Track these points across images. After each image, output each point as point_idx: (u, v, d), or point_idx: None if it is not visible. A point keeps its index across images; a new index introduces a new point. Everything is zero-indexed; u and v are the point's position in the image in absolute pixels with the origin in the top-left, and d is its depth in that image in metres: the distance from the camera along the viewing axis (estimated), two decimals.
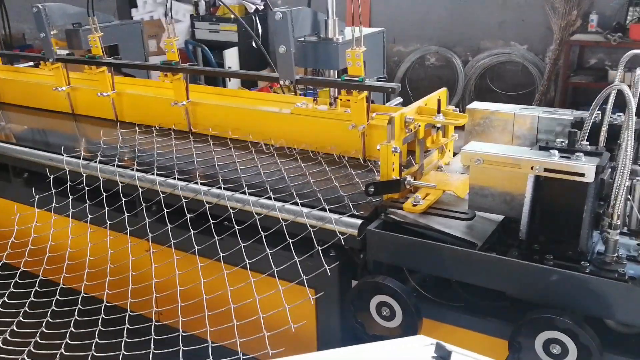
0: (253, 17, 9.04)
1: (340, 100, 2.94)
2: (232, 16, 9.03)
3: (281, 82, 2.84)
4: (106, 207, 2.96)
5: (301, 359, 1.11)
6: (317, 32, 2.91)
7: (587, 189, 2.10)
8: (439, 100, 2.61)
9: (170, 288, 2.59)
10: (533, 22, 7.28)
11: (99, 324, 2.49)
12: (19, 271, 2.86)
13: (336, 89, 3.01)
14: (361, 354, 1.13)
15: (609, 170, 2.23)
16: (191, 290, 2.52)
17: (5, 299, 2.73)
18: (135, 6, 9.97)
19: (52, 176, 3.22)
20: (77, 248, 2.92)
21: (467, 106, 2.83)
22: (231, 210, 2.66)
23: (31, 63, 5.13)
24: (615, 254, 2.10)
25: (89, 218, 2.97)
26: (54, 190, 3.15)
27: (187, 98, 3.41)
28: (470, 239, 2.27)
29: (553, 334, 2.03)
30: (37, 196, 3.18)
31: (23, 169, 3.59)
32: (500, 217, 2.41)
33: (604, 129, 2.40)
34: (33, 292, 2.77)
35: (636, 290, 1.96)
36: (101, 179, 3.07)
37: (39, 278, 2.80)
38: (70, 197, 3.09)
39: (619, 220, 2.09)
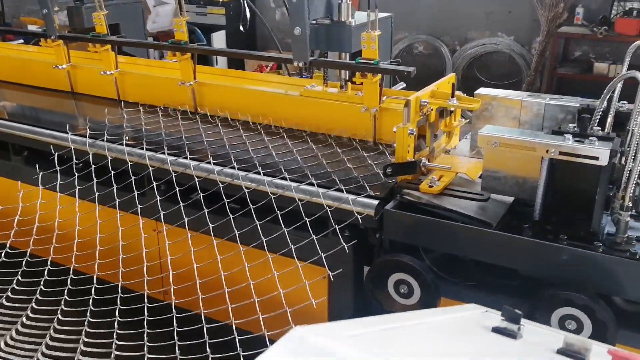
0: (241, 0, 8.99)
1: (353, 83, 2.98)
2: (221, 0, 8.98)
3: (295, 64, 2.86)
4: (114, 185, 2.96)
5: (363, 321, 1.15)
6: (330, 15, 2.94)
7: (600, 172, 2.19)
8: (453, 85, 2.68)
9: (181, 268, 2.62)
10: (520, 14, 7.41)
11: (117, 310, 2.51)
12: (28, 250, 2.86)
13: (347, 72, 3.04)
14: (426, 317, 1.17)
15: (618, 154, 2.32)
16: (203, 270, 2.55)
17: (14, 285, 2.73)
18: None
19: (56, 154, 3.20)
20: (84, 227, 2.91)
21: (475, 92, 2.90)
22: (245, 190, 2.68)
23: (21, 40, 5.05)
24: (626, 235, 2.20)
25: (96, 196, 2.97)
26: (58, 168, 3.13)
27: (195, 78, 3.41)
28: (485, 219, 2.34)
29: (569, 310, 2.11)
30: (41, 173, 3.17)
31: (23, 147, 3.56)
32: (510, 200, 2.50)
33: (611, 115, 2.49)
34: (46, 271, 2.78)
35: None
36: (109, 157, 3.06)
37: (50, 258, 2.81)
38: (76, 174, 3.08)
39: (630, 202, 2.19)
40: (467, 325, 1.09)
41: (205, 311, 2.39)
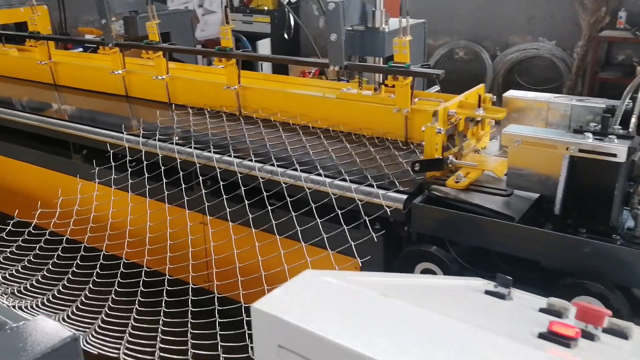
0: (286, 8, 9.26)
1: (386, 86, 3.15)
2: (265, 8, 9.29)
3: (331, 68, 3.05)
4: (164, 180, 3.20)
5: (371, 274, 1.29)
6: (365, 22, 3.12)
7: (619, 168, 2.29)
8: (479, 96, 2.82)
9: (226, 258, 2.84)
10: (562, 18, 7.41)
11: (164, 297, 2.75)
12: (82, 245, 3.13)
13: (381, 76, 3.21)
14: (432, 279, 1.33)
15: (639, 152, 2.42)
16: (243, 258, 2.76)
17: (70, 275, 2.99)
18: None
19: (112, 151, 3.48)
20: (135, 217, 3.17)
21: (504, 94, 3.02)
22: (283, 185, 2.88)
23: (80, 49, 5.42)
24: None
25: (147, 189, 3.22)
26: (113, 164, 3.41)
27: (239, 82, 3.64)
28: (509, 213, 2.47)
29: (586, 298, 2.23)
30: (97, 168, 3.44)
31: (82, 146, 3.86)
32: (534, 196, 2.62)
33: (635, 115, 2.58)
34: (98, 265, 3.04)
35: None
36: (160, 155, 3.31)
37: (103, 252, 3.07)
38: (129, 169, 3.34)
39: None
40: (465, 289, 1.25)
41: (245, 298, 2.60)
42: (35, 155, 4.04)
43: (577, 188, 2.41)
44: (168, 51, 3.89)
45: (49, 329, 1.02)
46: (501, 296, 1.23)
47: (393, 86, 3.03)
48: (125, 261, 2.97)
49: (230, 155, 3.15)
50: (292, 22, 9.35)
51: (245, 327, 2.55)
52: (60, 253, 3.06)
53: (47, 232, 3.10)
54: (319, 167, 2.91)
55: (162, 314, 2.73)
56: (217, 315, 2.61)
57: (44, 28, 4.68)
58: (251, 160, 3.08)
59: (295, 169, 2.93)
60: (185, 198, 3.06)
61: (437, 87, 3.58)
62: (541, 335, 0.99)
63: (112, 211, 3.27)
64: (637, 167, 2.41)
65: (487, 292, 1.23)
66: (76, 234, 3.21)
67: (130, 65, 4.25)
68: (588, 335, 1.03)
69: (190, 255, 2.93)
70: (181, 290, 2.80)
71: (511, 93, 3.03)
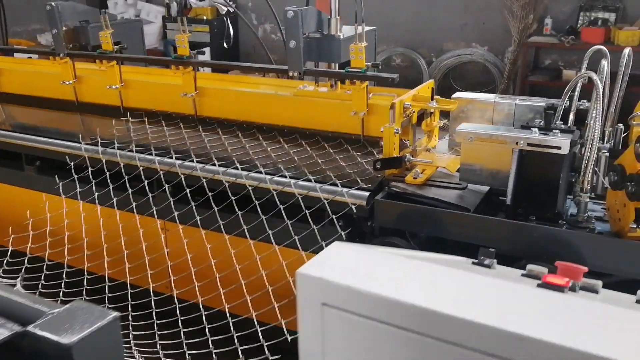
0: (225, 18, 9.32)
1: (340, 83, 3.31)
2: (204, 17, 9.31)
3: (290, 74, 3.17)
4: (129, 190, 3.22)
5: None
6: (321, 30, 3.26)
7: (563, 160, 2.52)
8: (432, 89, 3.01)
9: (196, 265, 2.90)
10: (493, 25, 7.83)
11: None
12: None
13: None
14: (427, 254, 1.47)
15: (579, 146, 2.66)
16: (218, 265, 2.83)
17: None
18: (106, 7, 10.09)
19: (72, 163, 3.46)
20: (108, 231, 3.18)
21: (452, 95, 3.23)
22: (249, 188, 2.97)
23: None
24: (586, 214, 2.53)
25: (114, 201, 3.23)
26: (76, 176, 3.40)
27: (195, 90, 3.70)
28: (464, 205, 2.66)
29: None
30: (61, 183, 3.42)
31: (35, 157, 3.81)
32: (485, 189, 2.82)
33: (573, 112, 2.84)
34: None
35: (605, 241, 2.39)
36: (121, 164, 3.32)
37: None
38: (93, 181, 3.34)
39: (588, 185, 2.52)
40: (454, 262, 1.40)
41: (228, 306, 2.68)
42: None
43: (526, 179, 2.62)
44: (121, 60, 3.90)
45: (93, 310, 1.09)
46: (487, 266, 1.38)
47: (349, 92, 3.18)
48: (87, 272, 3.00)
49: (192, 161, 3.21)
50: (232, 32, 9.41)
51: (208, 334, 2.64)
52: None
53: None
54: (282, 169, 3.02)
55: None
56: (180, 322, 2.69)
57: None
58: (213, 165, 3.15)
59: (260, 172, 3.03)
60: (154, 208, 3.10)
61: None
62: (539, 285, 1.14)
63: (67, 222, 3.29)
64: (577, 159, 2.66)
65: (474, 263, 1.38)
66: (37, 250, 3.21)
67: (81, 70, 4.20)
68: (572, 287, 1.21)
69: (147, 263, 2.98)
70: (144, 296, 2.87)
71: (458, 94, 3.24)
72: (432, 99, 2.94)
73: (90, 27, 4.01)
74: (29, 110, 4.31)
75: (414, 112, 2.99)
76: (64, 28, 3.93)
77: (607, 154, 2.57)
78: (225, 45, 9.19)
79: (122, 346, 1.15)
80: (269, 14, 9.50)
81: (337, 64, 3.30)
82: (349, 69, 3.10)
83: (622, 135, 2.82)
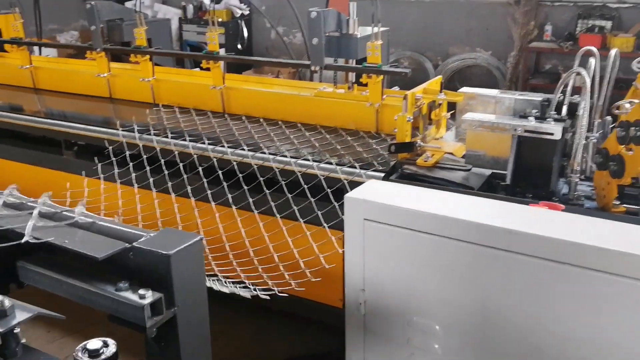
0: (239, 21, 9.70)
1: (358, 85, 3.65)
2: (219, 20, 9.68)
3: (312, 68, 3.52)
4: (165, 171, 3.56)
5: None
6: (340, 29, 3.61)
7: (555, 145, 2.87)
8: (441, 83, 3.36)
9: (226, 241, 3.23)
10: (496, 31, 8.19)
11: None
12: None
13: (354, 76, 3.71)
14: None
15: (571, 134, 3.01)
16: (246, 241, 3.16)
17: None
18: None
19: (110, 147, 3.80)
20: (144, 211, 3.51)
21: (458, 90, 3.57)
22: (276, 169, 3.32)
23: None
24: (576, 193, 2.87)
25: (151, 180, 3.56)
26: (114, 159, 3.73)
27: (223, 83, 4.06)
28: (469, 184, 3.00)
29: None
30: (100, 164, 3.76)
31: (72, 144, 4.16)
32: (487, 172, 3.16)
33: (565, 105, 3.18)
34: None
35: (592, 215, 2.72)
36: (157, 149, 3.67)
37: None
38: (130, 163, 3.67)
39: (578, 167, 2.86)
40: None
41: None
42: (28, 154, 4.28)
43: (523, 162, 2.97)
44: (155, 55, 4.25)
45: (182, 233, 1.44)
46: None
47: (366, 84, 3.52)
48: None
49: (223, 146, 3.55)
50: (245, 34, 9.79)
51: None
52: None
53: None
54: (305, 153, 3.36)
55: None
56: None
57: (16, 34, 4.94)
58: (243, 149, 3.49)
59: (285, 155, 3.37)
60: (189, 187, 3.43)
61: (397, 88, 4.11)
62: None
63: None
64: (568, 145, 3.00)
65: None
66: None
67: (116, 70, 4.56)
68: None
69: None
70: None
71: (464, 89, 3.59)
72: (441, 92, 3.29)
73: (124, 24, 4.36)
74: (66, 101, 4.66)
75: (424, 103, 3.33)
76: (101, 25, 4.27)
77: (595, 140, 2.92)
78: (239, 46, 9.57)
79: (203, 261, 1.49)
80: (282, 17, 9.89)
81: (354, 60, 3.64)
82: (366, 64, 3.44)
83: (610, 127, 3.17)
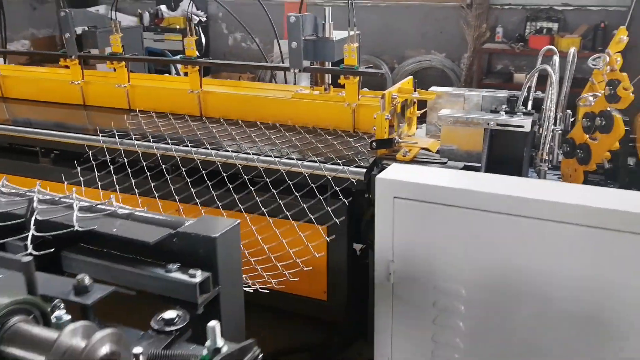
0: (196, 28, 9.72)
1: (334, 86, 3.82)
2: (177, 27, 9.71)
3: (292, 70, 3.66)
4: (148, 173, 3.63)
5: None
6: (316, 33, 3.77)
7: (525, 137, 3.10)
8: (414, 82, 3.56)
9: None
10: (450, 34, 8.52)
11: None
12: None
13: (330, 78, 3.88)
14: None
15: (538, 127, 3.25)
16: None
17: None
18: None
19: (90, 152, 3.84)
20: None
21: (429, 88, 3.79)
22: (261, 168, 3.44)
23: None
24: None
25: (132, 182, 3.62)
26: (94, 163, 3.77)
27: (200, 87, 4.15)
28: None
29: None
30: (79, 168, 3.79)
31: (50, 150, 4.17)
32: (460, 165, 3.37)
33: (530, 100, 3.43)
34: None
35: None
36: (139, 152, 3.73)
37: None
38: (111, 166, 3.72)
39: (546, 157, 3.10)
40: None
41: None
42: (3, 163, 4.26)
43: (495, 154, 3.19)
44: (131, 61, 4.31)
45: (220, 219, 1.56)
46: None
47: (343, 85, 3.69)
48: None
49: (206, 148, 3.65)
50: (203, 40, 9.82)
51: None
52: None
53: None
54: (288, 152, 3.50)
55: None
56: None
57: None
58: (226, 150, 3.60)
59: (269, 155, 3.50)
60: (172, 187, 3.52)
61: (366, 89, 4.30)
62: None
63: None
64: (537, 138, 3.25)
65: None
66: None
67: (89, 77, 4.59)
68: None
69: None
70: None
71: (434, 88, 3.81)
72: (415, 91, 3.49)
73: (98, 32, 4.40)
74: (40, 109, 4.65)
75: (399, 102, 3.52)
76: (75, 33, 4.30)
77: (560, 131, 3.17)
78: (197, 53, 9.58)
79: (240, 243, 1.62)
80: (239, 24, 9.99)
81: (330, 63, 3.81)
82: (343, 66, 3.61)
83: (571, 120, 3.44)
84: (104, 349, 1.04)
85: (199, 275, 1.43)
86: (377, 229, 1.74)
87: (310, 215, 3.18)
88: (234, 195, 3.38)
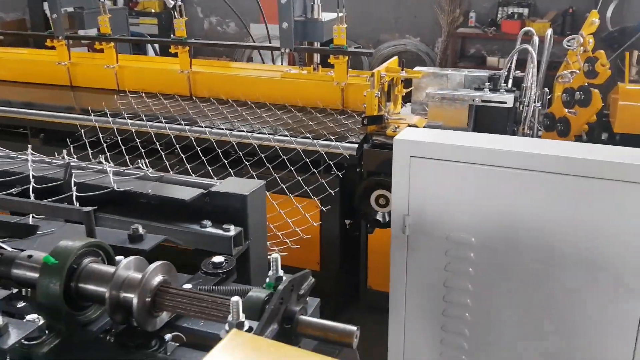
0: (172, 11, 9.69)
1: (326, 65, 3.95)
2: (152, 10, 9.67)
3: (282, 50, 3.77)
4: (142, 150, 3.71)
5: None
6: (305, 14, 3.88)
7: (508, 112, 3.29)
8: (402, 61, 3.71)
9: None
10: (424, 18, 8.70)
11: None
12: None
13: (319, 56, 4.00)
14: None
15: (519, 103, 3.44)
16: None
17: None
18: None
19: (82, 130, 3.90)
20: None
21: (415, 68, 3.95)
22: (255, 144, 3.56)
23: None
24: None
25: (127, 159, 3.70)
26: (86, 141, 3.83)
27: (190, 67, 4.23)
28: None
29: None
30: (72, 146, 3.84)
31: (39, 130, 4.20)
32: None
33: (511, 78, 3.62)
34: None
35: None
36: (133, 130, 3.80)
37: None
38: (104, 144, 3.79)
39: (528, 131, 3.30)
40: None
41: None
42: None
43: (479, 129, 3.37)
44: (119, 42, 4.35)
45: (246, 180, 1.69)
46: None
47: (333, 65, 3.83)
48: None
49: (200, 125, 3.74)
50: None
51: None
52: None
53: None
54: (282, 129, 3.63)
55: None
56: None
57: None
58: (220, 128, 3.70)
59: (263, 132, 3.62)
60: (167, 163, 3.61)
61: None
62: None
63: None
64: (518, 114, 3.44)
65: None
66: None
67: (76, 58, 4.61)
68: None
69: None
70: None
71: (419, 68, 3.97)
72: (402, 70, 3.64)
73: (85, 12, 4.43)
74: (26, 90, 4.66)
75: (386, 81, 3.67)
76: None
77: (539, 107, 3.37)
78: (172, 36, 9.56)
79: (265, 201, 1.75)
80: (214, 7, 10.00)
81: (319, 43, 3.93)
82: (333, 46, 3.74)
83: (548, 97, 3.65)
84: (158, 278, 1.18)
85: (232, 230, 1.56)
86: (394, 186, 1.91)
87: (306, 188, 3.31)
88: (229, 169, 3.49)
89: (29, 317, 1.19)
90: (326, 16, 3.94)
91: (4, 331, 1.08)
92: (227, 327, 1.07)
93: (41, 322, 1.16)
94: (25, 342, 1.09)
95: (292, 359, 0.93)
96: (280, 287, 1.09)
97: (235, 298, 1.05)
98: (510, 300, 1.97)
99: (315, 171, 3.37)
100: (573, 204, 1.75)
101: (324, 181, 3.31)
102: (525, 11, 8.17)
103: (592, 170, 1.69)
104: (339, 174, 3.35)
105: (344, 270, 3.73)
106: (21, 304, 1.27)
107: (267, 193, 3.35)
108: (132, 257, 1.23)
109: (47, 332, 1.13)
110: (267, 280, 1.17)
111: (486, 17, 8.32)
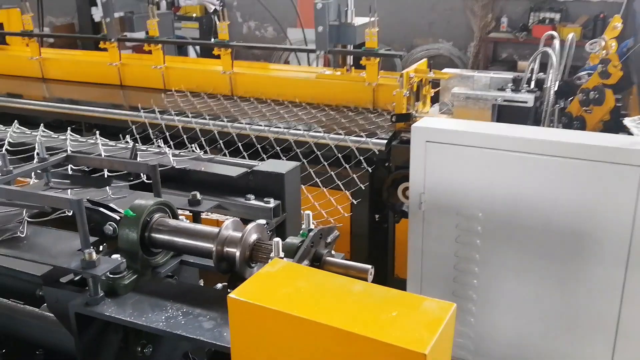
0: (212, 16, 10.09)
1: (358, 67, 4.20)
2: (193, 15, 10.08)
3: (317, 52, 4.04)
4: (189, 146, 4.02)
5: None
6: (339, 19, 4.15)
7: (528, 112, 3.49)
8: (430, 63, 3.94)
9: None
10: (457, 23, 8.89)
11: None
12: None
13: (352, 59, 4.26)
14: None
15: (540, 103, 3.64)
16: None
17: None
18: (95, 5, 10.71)
19: (133, 126, 4.24)
20: None
21: (443, 70, 4.17)
22: (291, 140, 3.83)
23: None
24: None
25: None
26: (137, 136, 4.17)
27: (232, 68, 4.54)
28: None
29: None
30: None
31: (93, 126, 4.56)
32: None
33: (533, 80, 3.81)
34: None
35: None
36: (179, 126, 4.12)
37: None
38: (154, 139, 4.12)
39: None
40: None
41: None
42: None
43: None
44: (167, 44, 4.69)
45: (282, 162, 1.96)
46: None
47: (364, 67, 4.08)
48: None
49: (240, 122, 4.04)
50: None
51: None
52: None
53: None
54: (316, 126, 3.89)
55: None
56: None
57: (17, 28, 5.31)
58: (259, 125, 3.99)
59: (298, 129, 3.89)
60: None
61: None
62: None
63: None
64: (539, 113, 3.63)
65: None
66: None
67: (125, 59, 4.97)
68: None
69: None
70: None
71: (447, 70, 4.19)
72: (430, 71, 3.87)
73: (135, 17, 4.78)
74: (82, 89, 5.04)
75: (415, 82, 3.91)
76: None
77: (559, 106, 3.55)
78: (212, 40, 9.96)
79: (300, 179, 2.01)
80: (253, 12, 10.36)
81: (352, 46, 4.19)
82: (365, 48, 4.00)
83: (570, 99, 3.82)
84: (254, 236, 1.46)
85: (272, 202, 1.82)
86: (412, 168, 2.18)
87: (338, 182, 3.57)
88: None
89: (113, 256, 1.48)
90: (359, 20, 4.20)
91: (97, 263, 1.38)
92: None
93: (122, 261, 1.46)
94: (111, 275, 1.39)
95: (318, 275, 1.19)
96: (312, 233, 1.36)
97: (277, 239, 1.33)
98: (513, 268, 2.27)
99: (347, 166, 3.62)
100: (568, 183, 1.98)
101: (354, 176, 3.56)
102: (557, 16, 8.29)
103: (583, 153, 1.91)
104: (369, 169, 3.60)
105: (372, 260, 3.97)
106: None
107: (303, 186, 3.67)
108: (231, 219, 1.52)
109: (126, 269, 1.42)
110: (301, 231, 1.44)
111: (518, 22, 8.47)
